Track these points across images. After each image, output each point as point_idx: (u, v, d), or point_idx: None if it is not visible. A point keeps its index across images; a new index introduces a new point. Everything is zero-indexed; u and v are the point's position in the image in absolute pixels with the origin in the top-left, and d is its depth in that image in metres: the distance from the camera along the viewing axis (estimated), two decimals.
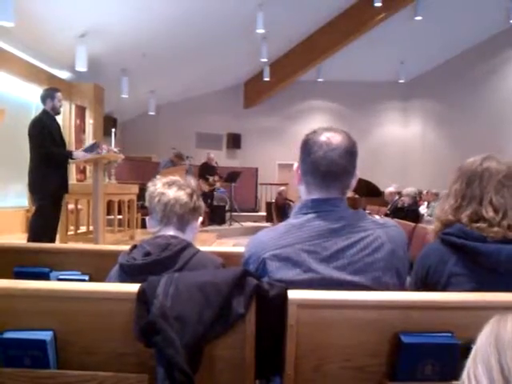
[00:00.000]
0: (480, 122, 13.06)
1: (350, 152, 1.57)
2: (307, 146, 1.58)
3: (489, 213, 1.63)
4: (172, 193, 1.78)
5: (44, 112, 5.44)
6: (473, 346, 0.90)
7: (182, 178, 1.87)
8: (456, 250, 1.63)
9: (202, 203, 1.88)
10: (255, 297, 1.42)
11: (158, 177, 1.87)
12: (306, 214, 1.57)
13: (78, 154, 5.89)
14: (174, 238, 1.73)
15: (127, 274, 1.67)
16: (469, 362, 0.67)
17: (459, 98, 14.11)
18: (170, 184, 1.81)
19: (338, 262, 1.48)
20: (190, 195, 1.81)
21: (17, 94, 8.81)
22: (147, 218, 1.87)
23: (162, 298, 1.38)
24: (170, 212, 1.77)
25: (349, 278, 1.47)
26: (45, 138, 5.23)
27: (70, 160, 5.66)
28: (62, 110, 5.80)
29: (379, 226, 1.56)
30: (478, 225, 1.62)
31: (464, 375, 0.66)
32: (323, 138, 1.56)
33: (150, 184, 1.84)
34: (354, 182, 1.62)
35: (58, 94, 5.52)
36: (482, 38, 13.16)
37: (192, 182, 1.88)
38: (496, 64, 12.97)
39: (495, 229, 1.60)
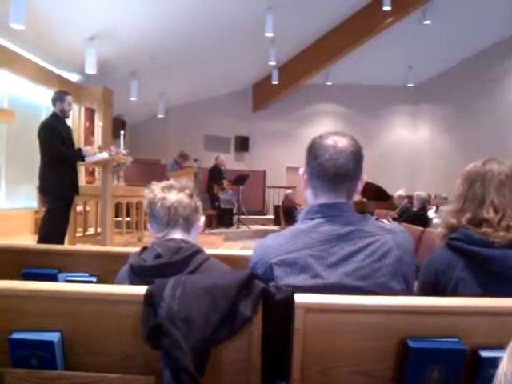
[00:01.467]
0: (489, 127, 13.02)
1: (357, 156, 1.57)
2: (313, 150, 1.59)
3: (489, 213, 1.65)
4: (173, 196, 1.79)
5: (53, 114, 5.50)
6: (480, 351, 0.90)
7: (178, 181, 1.89)
8: (462, 256, 1.63)
9: (200, 202, 1.90)
10: (262, 300, 1.42)
11: (153, 183, 1.89)
12: (313, 218, 1.57)
13: (87, 151, 5.92)
14: (185, 243, 1.74)
15: (137, 275, 1.68)
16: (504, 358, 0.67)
17: (468, 103, 14.07)
18: (168, 188, 1.82)
19: (345, 267, 1.48)
20: (190, 196, 1.83)
21: (27, 96, 8.88)
22: (149, 225, 1.89)
23: (169, 300, 1.38)
24: (175, 215, 1.78)
25: (355, 283, 1.47)
26: (54, 140, 5.27)
27: (79, 162, 5.69)
28: (71, 113, 5.84)
29: (387, 231, 1.56)
30: (484, 230, 1.63)
31: (499, 370, 0.66)
32: (329, 141, 1.57)
33: (147, 191, 1.86)
34: (360, 186, 1.63)
35: (68, 98, 5.58)
36: (491, 42, 13.12)
37: (187, 183, 1.90)
38: (505, 68, 12.93)
39: (501, 233, 1.60)
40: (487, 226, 1.63)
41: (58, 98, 5.53)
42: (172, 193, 1.80)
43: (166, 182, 1.87)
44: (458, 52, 13.86)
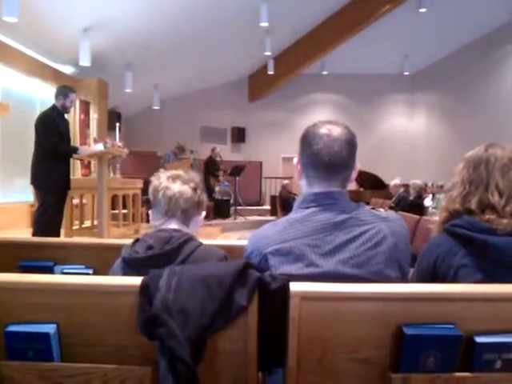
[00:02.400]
0: (485, 115, 13.01)
1: (351, 144, 1.57)
2: (307, 139, 1.59)
3: (494, 197, 1.64)
4: (177, 187, 1.79)
5: (53, 107, 5.47)
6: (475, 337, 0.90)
7: (186, 172, 1.89)
8: (464, 242, 1.62)
9: (205, 197, 1.89)
10: (257, 289, 1.42)
11: (161, 170, 1.88)
12: (308, 207, 1.57)
13: (83, 149, 5.91)
14: (177, 232, 1.74)
15: (130, 268, 1.68)
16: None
17: (464, 91, 14.06)
18: (174, 178, 1.82)
19: (340, 255, 1.48)
20: (194, 189, 1.83)
21: (21, 89, 8.84)
22: (150, 211, 1.89)
23: (165, 290, 1.38)
24: (175, 206, 1.78)
25: (351, 271, 1.47)
26: (51, 132, 5.25)
27: (73, 155, 5.67)
28: (71, 110, 5.83)
29: (381, 219, 1.56)
30: (487, 217, 1.62)
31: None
32: (323, 130, 1.56)
33: (153, 178, 1.86)
34: (354, 175, 1.63)
35: (72, 95, 5.57)
36: (488, 29, 13.09)
37: (195, 175, 1.89)
38: (502, 56, 12.90)
39: (504, 220, 1.59)
40: (491, 212, 1.63)
41: (62, 93, 5.50)
42: (176, 183, 1.80)
43: (173, 172, 1.87)
44: (454, 40, 13.82)
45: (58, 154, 5.33)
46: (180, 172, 1.87)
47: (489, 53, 13.22)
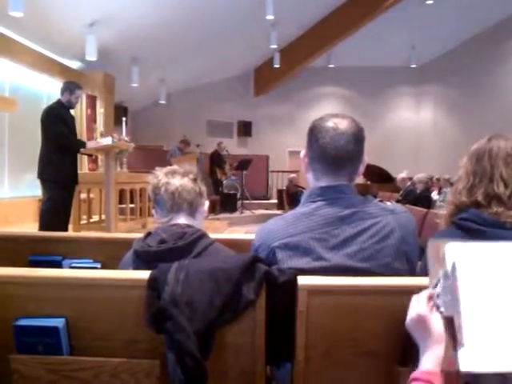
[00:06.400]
0: (493, 107, 12.93)
1: (358, 137, 1.56)
2: (314, 132, 1.58)
3: (500, 187, 1.62)
4: (177, 181, 1.80)
5: (58, 102, 5.47)
6: None
7: (181, 166, 1.89)
8: (472, 236, 1.60)
9: (204, 187, 1.90)
10: (265, 283, 1.42)
11: (156, 168, 1.89)
12: (315, 201, 1.56)
13: (91, 143, 5.92)
14: (189, 227, 1.74)
15: (141, 260, 1.68)
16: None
17: (471, 83, 13.98)
18: (172, 173, 1.83)
19: (347, 249, 1.48)
20: (194, 180, 1.84)
21: (28, 84, 8.85)
22: (153, 211, 1.89)
23: (173, 284, 1.39)
24: (179, 199, 1.78)
25: (358, 265, 1.47)
26: (58, 123, 5.24)
27: (81, 149, 5.67)
28: (77, 106, 5.83)
29: (389, 212, 1.56)
30: (495, 209, 1.60)
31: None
32: (330, 123, 1.56)
33: (151, 177, 1.86)
34: (361, 168, 1.62)
35: (78, 92, 5.56)
36: (495, 21, 12.99)
37: (191, 168, 1.90)
38: (509, 47, 12.79)
39: None
40: (498, 205, 1.60)
41: (68, 89, 5.49)
42: (176, 178, 1.81)
43: (169, 168, 1.87)
44: (461, 31, 13.73)
45: (67, 146, 5.31)
46: (175, 167, 1.88)
47: (496, 44, 13.13)
